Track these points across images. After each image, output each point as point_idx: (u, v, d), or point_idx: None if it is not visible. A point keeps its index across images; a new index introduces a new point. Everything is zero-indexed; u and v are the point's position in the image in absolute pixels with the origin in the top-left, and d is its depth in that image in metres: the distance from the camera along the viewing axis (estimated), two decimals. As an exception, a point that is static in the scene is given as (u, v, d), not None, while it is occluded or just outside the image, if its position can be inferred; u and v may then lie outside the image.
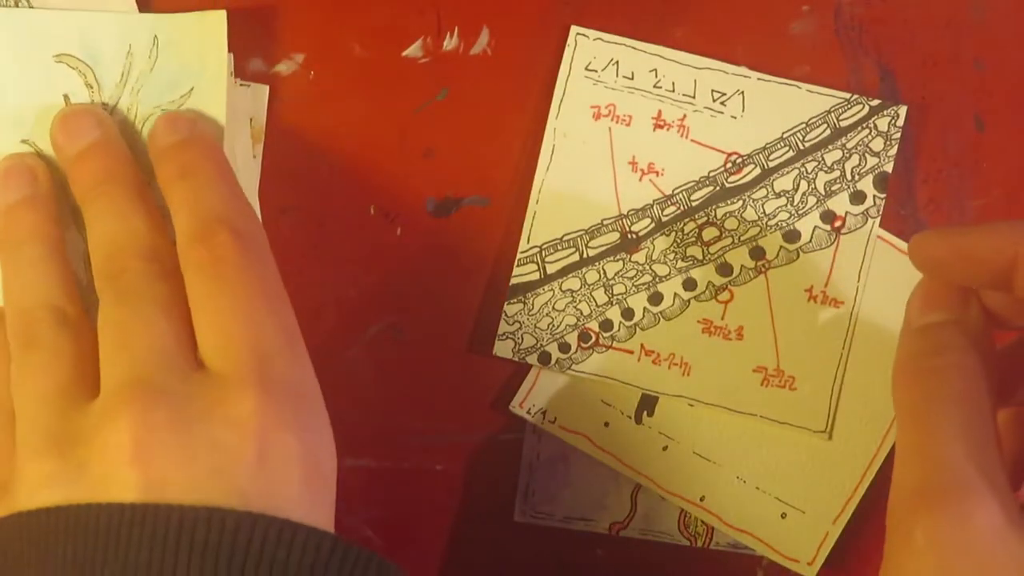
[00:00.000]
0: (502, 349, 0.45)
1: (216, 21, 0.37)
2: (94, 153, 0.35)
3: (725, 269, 0.45)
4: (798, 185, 0.45)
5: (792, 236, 0.45)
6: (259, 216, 0.45)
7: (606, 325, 0.45)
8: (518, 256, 0.45)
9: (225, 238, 0.32)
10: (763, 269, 0.45)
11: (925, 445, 0.26)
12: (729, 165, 0.45)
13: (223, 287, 0.32)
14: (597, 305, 0.45)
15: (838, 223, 0.45)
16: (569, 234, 0.45)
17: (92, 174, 0.35)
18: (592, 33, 0.45)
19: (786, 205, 0.45)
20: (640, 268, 0.45)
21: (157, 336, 0.30)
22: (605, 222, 0.45)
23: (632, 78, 0.45)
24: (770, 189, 0.45)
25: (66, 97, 0.35)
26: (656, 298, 0.45)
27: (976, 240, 0.30)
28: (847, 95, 0.45)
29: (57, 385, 0.30)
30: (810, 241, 0.45)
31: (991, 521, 0.24)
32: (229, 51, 0.40)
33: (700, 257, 0.45)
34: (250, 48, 0.44)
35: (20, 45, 0.35)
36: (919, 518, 0.24)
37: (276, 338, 0.31)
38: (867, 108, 0.45)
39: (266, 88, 0.45)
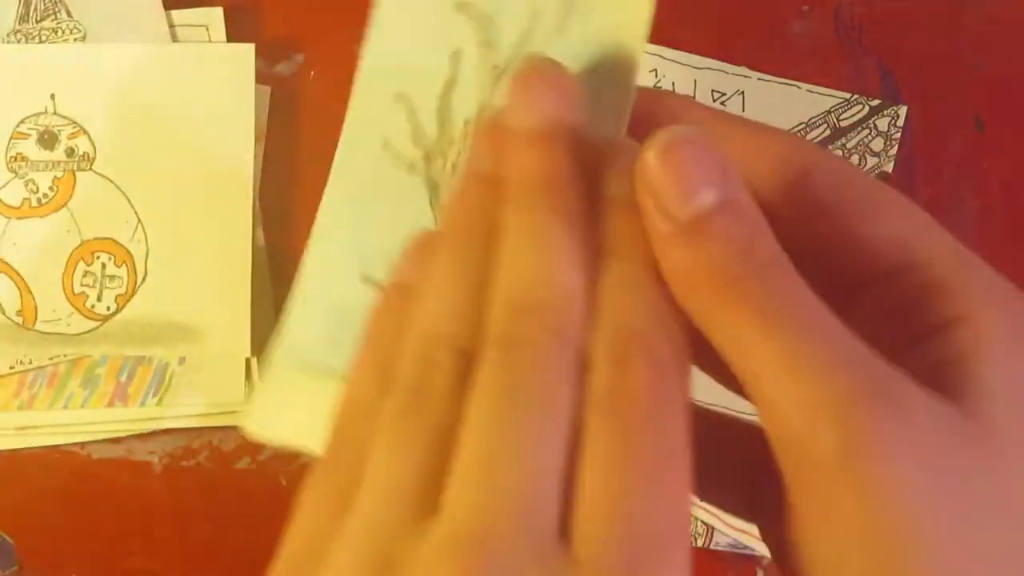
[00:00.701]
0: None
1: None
2: (539, 150, 0.24)
3: (725, 269, 0.45)
4: (798, 185, 0.45)
5: (792, 236, 0.45)
6: (255, 218, 0.45)
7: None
8: (518, 256, 0.45)
9: (642, 372, 0.22)
10: (763, 269, 0.45)
11: (796, 352, 0.21)
12: (729, 165, 0.45)
13: (627, 449, 0.22)
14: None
15: (838, 223, 0.45)
16: (569, 234, 0.45)
17: (528, 185, 0.24)
18: (592, 33, 0.45)
19: (786, 205, 0.45)
20: (640, 268, 0.45)
21: (533, 472, 0.21)
22: (605, 222, 0.45)
23: (632, 78, 0.45)
24: (770, 189, 0.45)
25: (454, 55, 0.28)
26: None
27: (771, 139, 0.25)
28: (847, 95, 0.45)
29: (414, 474, 0.22)
30: (810, 241, 0.45)
31: (938, 409, 0.21)
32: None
33: (700, 257, 0.45)
34: (250, 48, 0.44)
35: None
36: (823, 430, 0.20)
37: (673, 539, 0.23)
38: (867, 108, 0.45)
39: (267, 88, 0.45)
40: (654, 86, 0.45)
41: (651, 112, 0.26)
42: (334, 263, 0.27)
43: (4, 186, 0.45)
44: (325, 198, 0.27)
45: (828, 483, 0.21)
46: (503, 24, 0.28)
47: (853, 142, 0.45)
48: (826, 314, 0.22)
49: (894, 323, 0.23)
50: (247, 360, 0.44)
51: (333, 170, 0.27)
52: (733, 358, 0.22)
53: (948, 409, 0.21)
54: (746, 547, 0.46)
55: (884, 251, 0.24)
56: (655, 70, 0.45)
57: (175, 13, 0.45)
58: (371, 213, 0.27)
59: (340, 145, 0.27)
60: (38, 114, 0.45)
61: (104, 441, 0.45)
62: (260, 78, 0.44)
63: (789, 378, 0.21)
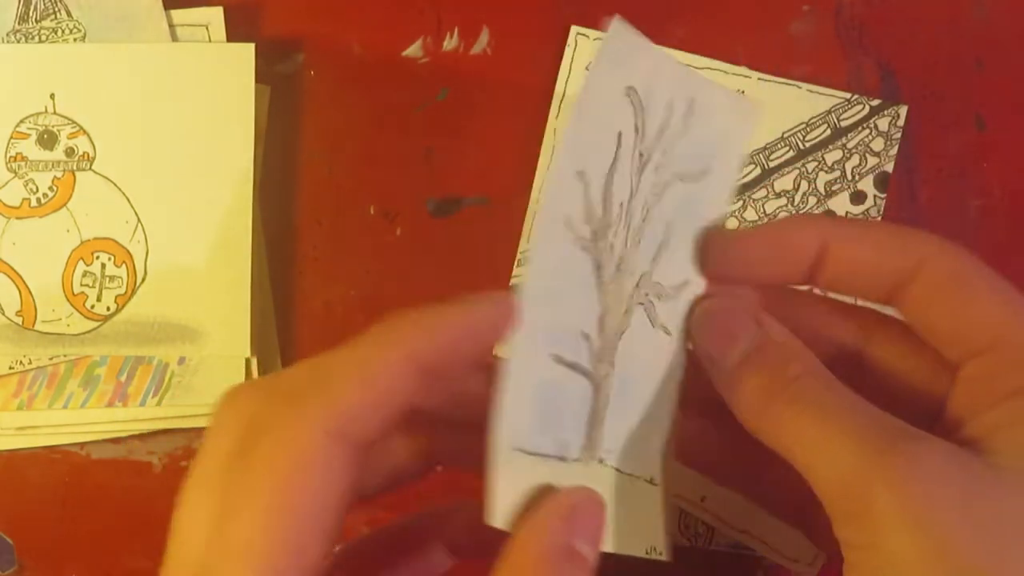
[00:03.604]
0: (502, 349, 0.45)
1: (749, 111, 0.31)
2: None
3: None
4: (798, 185, 0.45)
5: (792, 236, 0.45)
6: (255, 218, 0.45)
7: (606, 325, 0.45)
8: (518, 256, 0.45)
9: None
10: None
11: (832, 434, 0.25)
12: (729, 165, 0.45)
13: None
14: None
15: (838, 223, 0.45)
16: (570, 234, 0.45)
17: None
18: (592, 33, 0.45)
19: (787, 205, 0.45)
20: (640, 268, 0.45)
21: None
22: (606, 222, 0.45)
23: (632, 78, 0.45)
24: (770, 189, 0.45)
25: (619, 136, 0.28)
26: (656, 298, 0.45)
27: (789, 232, 0.29)
28: (847, 95, 0.45)
29: None
30: (810, 241, 0.45)
31: (942, 447, 0.24)
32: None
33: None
34: (250, 48, 0.44)
35: (611, 68, 0.29)
36: (871, 483, 0.24)
37: None
38: (867, 108, 0.45)
39: (267, 88, 0.45)
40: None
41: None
42: (532, 344, 0.27)
43: (3, 186, 0.45)
44: (525, 276, 0.27)
45: (884, 526, 0.24)
46: (650, 113, 0.29)
47: (853, 142, 0.45)
48: (851, 397, 0.26)
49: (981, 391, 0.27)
50: (247, 360, 0.44)
51: (531, 248, 0.27)
52: (794, 458, 0.26)
53: (967, 456, 0.25)
54: (746, 548, 0.46)
55: (976, 334, 0.28)
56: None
57: (175, 13, 0.45)
58: (556, 292, 0.27)
59: (536, 223, 0.27)
60: (38, 114, 0.45)
61: (104, 441, 0.45)
62: (260, 78, 0.44)
63: (836, 454, 0.25)
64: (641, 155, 0.29)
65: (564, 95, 0.45)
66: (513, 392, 0.26)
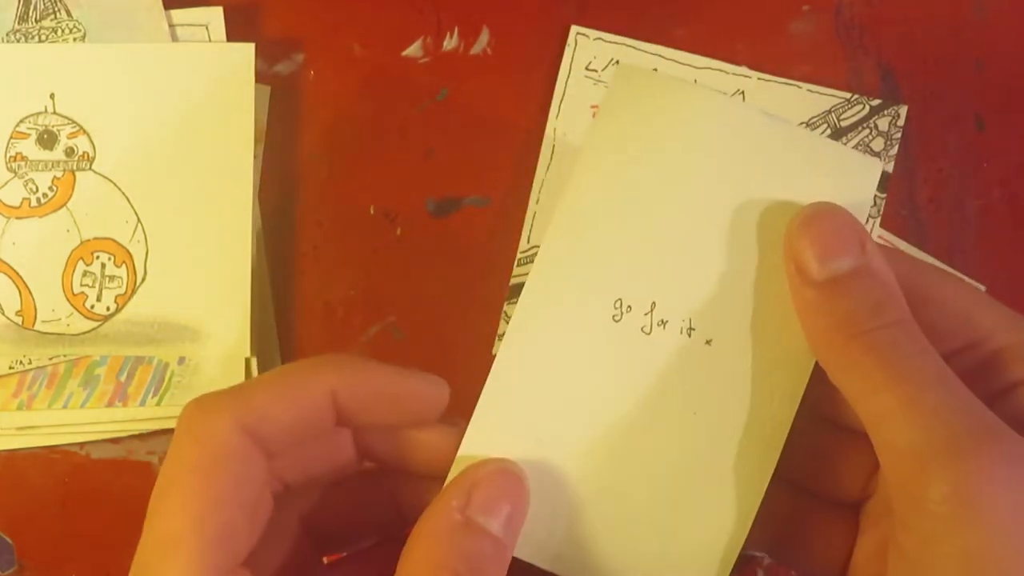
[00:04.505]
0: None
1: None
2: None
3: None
4: (798, 185, 0.45)
5: (792, 236, 0.45)
6: (255, 218, 0.45)
7: (606, 325, 0.45)
8: (518, 256, 0.45)
9: None
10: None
11: (908, 401, 0.24)
12: (729, 165, 0.45)
13: None
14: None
15: (838, 223, 0.45)
16: (570, 234, 0.45)
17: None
18: (592, 33, 0.45)
19: (786, 205, 0.45)
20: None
21: None
22: (605, 222, 0.45)
23: (632, 78, 0.45)
24: (770, 189, 0.45)
25: None
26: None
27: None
28: (847, 95, 0.45)
29: None
30: (810, 241, 0.45)
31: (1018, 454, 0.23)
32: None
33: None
34: (250, 48, 0.44)
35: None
36: (932, 470, 0.23)
37: None
38: (867, 108, 0.45)
39: (267, 88, 0.45)
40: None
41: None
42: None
43: (3, 186, 0.45)
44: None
45: (937, 520, 0.23)
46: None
47: (853, 142, 0.45)
48: (944, 369, 0.24)
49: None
50: (247, 360, 0.44)
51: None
52: (857, 401, 0.25)
53: None
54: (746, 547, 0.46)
55: (951, 330, 0.27)
56: (655, 70, 0.45)
57: (175, 13, 0.45)
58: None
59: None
60: (37, 114, 0.45)
61: (104, 441, 0.45)
62: (260, 78, 0.44)
63: (907, 422, 0.24)
64: None
65: (564, 95, 0.45)
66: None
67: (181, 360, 0.44)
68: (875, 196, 0.45)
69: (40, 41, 0.45)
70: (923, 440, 0.23)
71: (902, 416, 0.24)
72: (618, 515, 0.28)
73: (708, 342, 0.27)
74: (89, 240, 0.45)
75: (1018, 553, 0.22)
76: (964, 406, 0.24)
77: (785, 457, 0.28)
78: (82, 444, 0.45)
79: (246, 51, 0.44)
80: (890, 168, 0.45)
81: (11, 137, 0.45)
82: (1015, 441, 0.23)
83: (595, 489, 0.27)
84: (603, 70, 0.45)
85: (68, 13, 0.45)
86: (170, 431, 0.45)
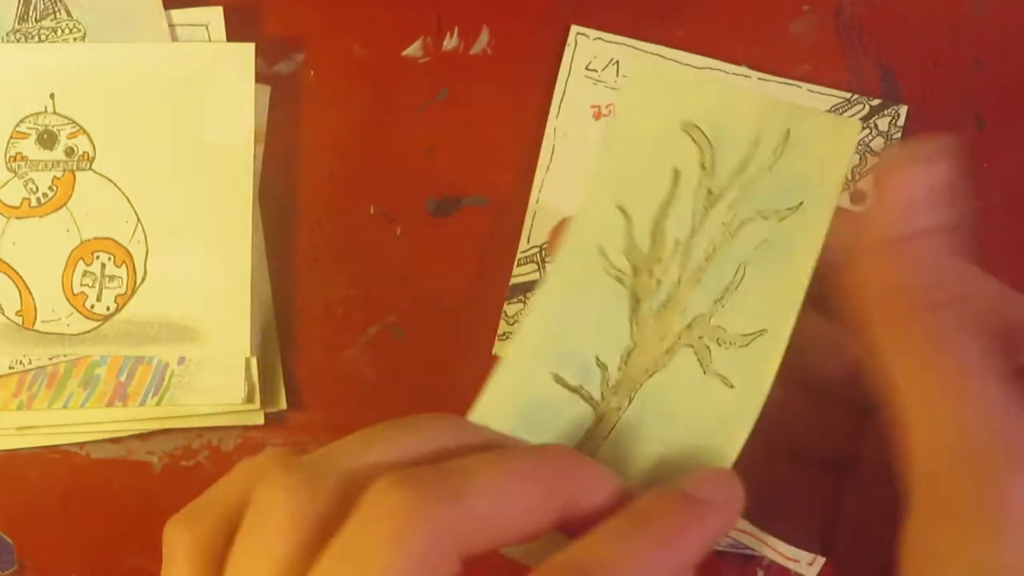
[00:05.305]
0: (502, 349, 0.45)
1: (850, 131, 0.29)
2: None
3: (725, 269, 0.45)
4: (798, 185, 0.45)
5: (792, 236, 0.45)
6: (255, 218, 0.45)
7: (606, 325, 0.45)
8: (518, 256, 0.45)
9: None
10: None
11: (959, 400, 0.21)
12: (729, 165, 0.45)
13: None
14: (598, 305, 0.45)
15: (838, 223, 0.45)
16: (570, 234, 0.45)
17: None
18: (592, 33, 0.45)
19: (786, 205, 0.45)
20: (640, 268, 0.45)
21: None
22: (606, 222, 0.45)
23: (632, 78, 0.45)
24: (770, 189, 0.45)
25: (676, 173, 0.29)
26: (656, 298, 0.45)
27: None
28: (848, 95, 0.45)
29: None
30: (810, 241, 0.45)
31: None
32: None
33: (700, 257, 0.45)
34: (250, 48, 0.44)
35: (653, 103, 0.29)
36: (963, 483, 0.21)
37: None
38: (868, 108, 0.45)
39: (267, 88, 0.45)
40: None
41: None
42: (531, 358, 0.27)
43: (3, 186, 0.45)
44: (538, 291, 0.27)
45: (960, 521, 0.21)
46: (724, 150, 0.29)
47: (853, 142, 0.45)
48: (994, 365, 0.22)
49: None
50: (247, 360, 0.44)
51: (550, 266, 0.28)
52: (896, 377, 0.22)
53: None
54: (746, 547, 0.46)
55: None
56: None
57: (175, 12, 0.45)
58: (574, 315, 0.27)
59: (562, 245, 0.27)
60: (37, 113, 0.45)
61: (104, 441, 0.45)
62: (260, 78, 0.44)
63: (951, 419, 0.21)
64: (710, 192, 0.29)
65: (564, 95, 0.45)
66: (498, 397, 0.26)
67: (181, 360, 0.44)
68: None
69: (40, 41, 0.45)
70: (962, 440, 0.22)
71: (947, 410, 0.22)
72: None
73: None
74: (89, 240, 0.45)
75: None
76: (1012, 408, 0.22)
77: (766, 420, 0.27)
78: (82, 444, 0.45)
79: (246, 51, 0.44)
80: (890, 168, 0.45)
81: (11, 137, 0.45)
82: None
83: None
84: (603, 70, 0.45)
85: (68, 13, 0.45)
86: (170, 431, 0.45)
